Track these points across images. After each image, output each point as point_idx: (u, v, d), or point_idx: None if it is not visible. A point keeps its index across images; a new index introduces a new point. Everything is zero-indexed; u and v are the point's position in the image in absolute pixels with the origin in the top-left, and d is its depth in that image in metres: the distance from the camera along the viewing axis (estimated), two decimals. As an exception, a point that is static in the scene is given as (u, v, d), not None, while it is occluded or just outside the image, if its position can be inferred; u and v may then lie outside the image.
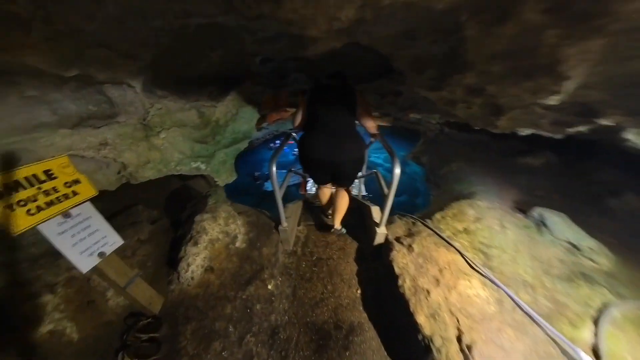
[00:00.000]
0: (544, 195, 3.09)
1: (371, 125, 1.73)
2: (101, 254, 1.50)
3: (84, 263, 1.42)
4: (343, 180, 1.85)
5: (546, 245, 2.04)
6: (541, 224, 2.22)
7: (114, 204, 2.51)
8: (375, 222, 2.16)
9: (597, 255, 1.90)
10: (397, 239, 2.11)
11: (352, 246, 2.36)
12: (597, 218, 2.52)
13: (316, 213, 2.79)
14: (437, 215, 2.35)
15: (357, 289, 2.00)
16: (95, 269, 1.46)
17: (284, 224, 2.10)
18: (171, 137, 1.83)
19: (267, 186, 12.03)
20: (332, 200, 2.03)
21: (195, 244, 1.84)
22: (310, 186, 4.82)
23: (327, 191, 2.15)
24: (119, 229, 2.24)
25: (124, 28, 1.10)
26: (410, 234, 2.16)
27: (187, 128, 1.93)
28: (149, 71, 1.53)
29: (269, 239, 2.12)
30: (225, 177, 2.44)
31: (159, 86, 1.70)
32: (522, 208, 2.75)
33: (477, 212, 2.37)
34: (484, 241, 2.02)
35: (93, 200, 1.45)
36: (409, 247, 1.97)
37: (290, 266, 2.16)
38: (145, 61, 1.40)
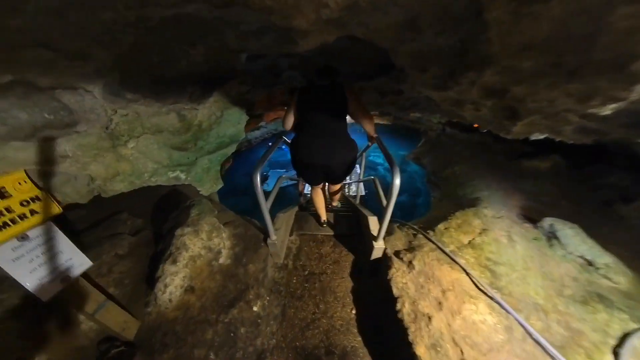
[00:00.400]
0: (551, 201, 2.91)
1: (368, 124, 1.66)
2: (65, 279, 1.34)
3: (45, 291, 1.26)
4: (335, 181, 1.97)
5: (558, 261, 1.88)
6: (552, 236, 2.05)
7: (97, 211, 2.35)
8: (373, 235, 1.99)
9: (614, 273, 1.74)
10: (397, 254, 1.95)
11: (348, 259, 2.21)
12: (609, 228, 2.35)
13: (310, 221, 2.62)
14: (440, 226, 2.18)
15: (351, 309, 1.85)
16: (58, 296, 1.31)
17: (273, 237, 1.94)
18: (143, 146, 1.64)
19: (266, 187, 11.87)
20: (326, 194, 2.34)
21: (174, 262, 1.68)
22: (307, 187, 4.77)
23: (320, 196, 2.17)
24: (96, 243, 2.10)
25: (66, 23, 0.91)
26: (410, 248, 1.99)
27: (165, 134, 1.75)
28: (114, 72, 1.34)
29: (256, 254, 1.96)
30: (210, 185, 2.27)
31: (129, 89, 1.51)
32: (530, 216, 2.58)
33: (483, 222, 2.20)
34: (491, 257, 1.85)
35: (72, 209, 1.28)
36: (409, 264, 1.81)
37: (280, 282, 2.01)
38: (104, 62, 1.21)
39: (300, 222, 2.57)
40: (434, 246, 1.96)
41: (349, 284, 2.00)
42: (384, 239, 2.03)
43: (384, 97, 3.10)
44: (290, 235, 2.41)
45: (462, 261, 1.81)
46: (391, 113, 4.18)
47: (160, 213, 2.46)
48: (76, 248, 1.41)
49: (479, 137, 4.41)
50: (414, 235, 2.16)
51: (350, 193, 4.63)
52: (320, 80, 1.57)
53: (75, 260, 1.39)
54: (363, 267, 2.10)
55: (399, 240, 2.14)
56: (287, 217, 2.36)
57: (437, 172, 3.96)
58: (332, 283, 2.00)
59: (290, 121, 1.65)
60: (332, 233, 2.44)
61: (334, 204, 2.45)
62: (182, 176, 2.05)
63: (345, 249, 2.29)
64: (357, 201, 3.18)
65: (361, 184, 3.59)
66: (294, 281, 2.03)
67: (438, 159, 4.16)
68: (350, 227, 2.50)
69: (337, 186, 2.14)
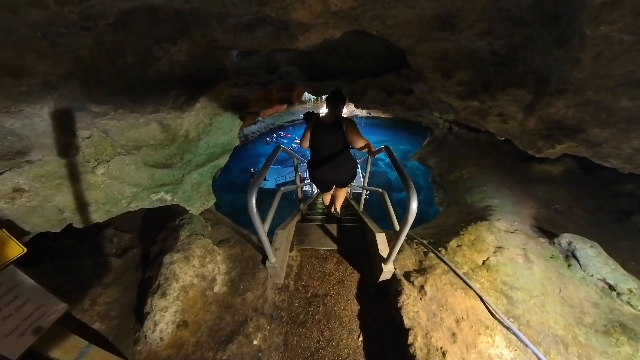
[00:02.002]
0: (565, 210, 2.79)
1: (362, 148, 2.10)
2: (37, 330, 1.17)
3: (13, 348, 1.09)
4: (340, 187, 2.52)
5: (577, 284, 1.78)
6: (570, 255, 1.94)
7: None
8: (381, 256, 1.85)
9: (639, 299, 1.64)
10: (407, 276, 1.81)
11: (353, 278, 2.08)
12: (629, 242, 2.24)
13: (312, 233, 2.46)
14: (452, 243, 2.04)
15: (358, 335, 1.74)
16: (31, 350, 1.14)
17: (272, 259, 1.78)
18: (116, 170, 1.40)
19: (265, 184, 11.60)
20: (333, 197, 2.70)
21: (164, 295, 1.52)
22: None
23: (328, 197, 2.74)
24: (78, 269, 1.92)
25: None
26: (421, 269, 1.86)
27: (144, 150, 1.50)
28: (70, 84, 1.08)
29: (254, 278, 1.81)
30: (200, 204, 2.04)
31: (95, 100, 1.25)
32: (544, 228, 2.46)
33: (497, 238, 2.07)
34: (508, 280, 1.73)
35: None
36: (421, 289, 1.69)
37: (280, 306, 1.88)
38: (48, 73, 0.95)
39: (301, 235, 2.41)
40: (446, 268, 1.83)
41: (355, 307, 1.88)
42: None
43: (391, 95, 2.83)
44: (291, 250, 2.26)
45: (476, 286, 1.69)
46: (397, 112, 3.92)
47: (150, 228, 2.26)
48: (47, 292, 1.23)
49: (487, 136, 4.19)
50: (425, 253, 2.02)
51: (353, 191, 4.46)
52: (329, 119, 2.02)
53: (48, 306, 1.21)
54: (369, 287, 1.98)
55: (409, 259, 2.00)
56: (287, 232, 2.19)
57: (444, 175, 3.79)
58: (337, 306, 1.88)
59: (306, 144, 2.16)
60: (335, 248, 2.29)
61: (337, 209, 2.76)
62: (168, 197, 1.82)
63: (350, 267, 2.15)
64: (361, 207, 3.01)
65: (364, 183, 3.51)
66: (296, 305, 1.90)
67: (445, 160, 3.97)
68: (355, 241, 2.36)
69: (342, 190, 2.63)
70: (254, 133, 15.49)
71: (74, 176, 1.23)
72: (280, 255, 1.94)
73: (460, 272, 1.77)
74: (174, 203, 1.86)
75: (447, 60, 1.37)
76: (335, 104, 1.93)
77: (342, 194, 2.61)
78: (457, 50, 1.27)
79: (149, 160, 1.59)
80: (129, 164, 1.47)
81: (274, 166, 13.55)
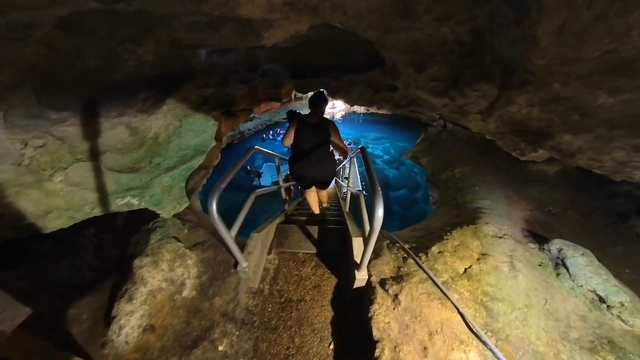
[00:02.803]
0: (559, 212, 2.63)
1: (341, 152, 2.25)
2: (-3, 334, 1.18)
3: None
4: (322, 186, 2.57)
5: (565, 295, 1.66)
6: (560, 263, 1.81)
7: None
8: (356, 262, 1.78)
9: (629, 314, 1.52)
10: (382, 283, 1.74)
11: (330, 283, 2.02)
12: (624, 248, 2.09)
13: (292, 235, 2.42)
14: (434, 249, 1.95)
15: (329, 343, 1.69)
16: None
17: (243, 264, 1.74)
18: (75, 177, 1.38)
19: (260, 181, 11.59)
20: (317, 196, 2.78)
21: (131, 299, 1.51)
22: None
23: (313, 195, 2.73)
24: (50, 273, 1.93)
25: None
26: (398, 276, 1.78)
27: (109, 155, 1.48)
28: (22, 92, 1.06)
29: (225, 283, 1.78)
30: (172, 207, 2.00)
31: (54, 106, 1.22)
32: (536, 231, 2.32)
33: (482, 244, 1.96)
34: (489, 291, 1.64)
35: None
36: (395, 299, 1.61)
37: (253, 310, 1.85)
38: None
39: (281, 238, 2.37)
40: (424, 276, 1.74)
41: (329, 313, 1.83)
42: (369, 263, 1.83)
43: (377, 92, 2.72)
44: (269, 253, 2.22)
45: (455, 296, 1.60)
46: (386, 109, 3.78)
47: (131, 229, 2.27)
48: (7, 296, 1.23)
49: (480, 134, 4.00)
50: (404, 259, 1.94)
51: (342, 190, 4.40)
52: (313, 118, 2.08)
53: (9, 311, 1.22)
54: (346, 293, 1.92)
55: (387, 265, 1.93)
56: (264, 235, 2.15)
57: (436, 174, 3.65)
58: (310, 312, 1.84)
59: (289, 141, 2.14)
60: (314, 251, 2.24)
61: (324, 205, 2.93)
62: (135, 202, 1.80)
63: (327, 271, 2.10)
64: (347, 207, 2.94)
65: (353, 182, 3.56)
66: (269, 309, 1.87)
67: (437, 159, 3.82)
68: (335, 244, 2.29)
69: (324, 191, 2.76)
70: (250, 130, 15.37)
71: (32, 184, 1.22)
72: (254, 259, 1.90)
73: (439, 281, 1.69)
74: (142, 207, 1.85)
75: (420, 53, 1.26)
76: (317, 104, 2.04)
77: (325, 193, 2.82)
78: (427, 42, 1.17)
79: (114, 165, 1.57)
80: (90, 170, 1.44)
81: (269, 163, 13.49)
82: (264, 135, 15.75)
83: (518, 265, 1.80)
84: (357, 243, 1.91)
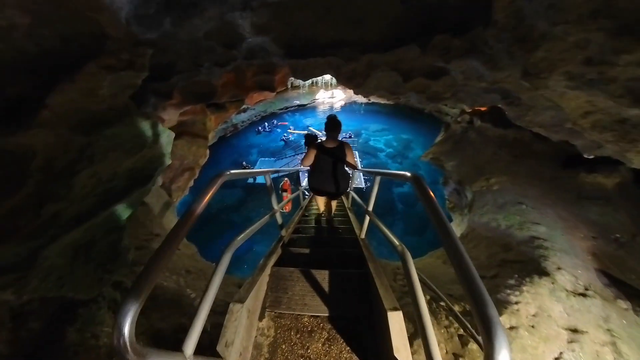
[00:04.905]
0: (628, 241, 2.11)
1: (352, 167, 2.59)
2: None
3: None
4: (335, 198, 2.88)
5: None
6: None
7: None
8: (393, 345, 1.15)
9: None
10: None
11: (351, 366, 1.40)
12: None
13: (293, 284, 1.76)
14: (505, 318, 1.35)
15: None
16: None
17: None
18: None
19: (257, 180, 10.70)
20: (328, 206, 3.04)
21: None
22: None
23: (323, 200, 2.98)
24: None
25: None
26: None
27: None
28: None
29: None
30: (86, 292, 1.10)
31: None
32: (611, 273, 1.79)
33: (566, 310, 1.38)
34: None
35: None
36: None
37: None
38: None
39: (278, 290, 1.71)
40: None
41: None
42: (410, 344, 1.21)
43: (408, 79, 1.97)
44: (260, 319, 1.56)
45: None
46: (412, 102, 3.04)
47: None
48: None
49: (515, 132, 3.38)
50: (460, 337, 1.34)
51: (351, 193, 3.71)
52: (331, 144, 2.45)
53: None
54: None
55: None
56: (252, 299, 1.47)
57: (464, 182, 3.04)
58: None
59: (308, 163, 2.54)
60: (326, 313, 1.61)
61: (333, 211, 3.17)
62: (11, 298, 0.96)
63: (346, 347, 1.47)
64: (363, 233, 2.29)
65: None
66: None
67: (465, 164, 3.20)
68: (354, 297, 1.67)
69: (335, 201, 3.09)
70: (243, 122, 14.18)
71: None
72: (237, 346, 1.24)
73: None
74: (22, 301, 1.01)
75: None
76: (333, 130, 2.38)
77: (335, 202, 3.23)
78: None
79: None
80: None
81: (265, 159, 12.55)
82: (259, 128, 14.59)
83: (623, 348, 1.24)
84: (394, 319, 1.27)
